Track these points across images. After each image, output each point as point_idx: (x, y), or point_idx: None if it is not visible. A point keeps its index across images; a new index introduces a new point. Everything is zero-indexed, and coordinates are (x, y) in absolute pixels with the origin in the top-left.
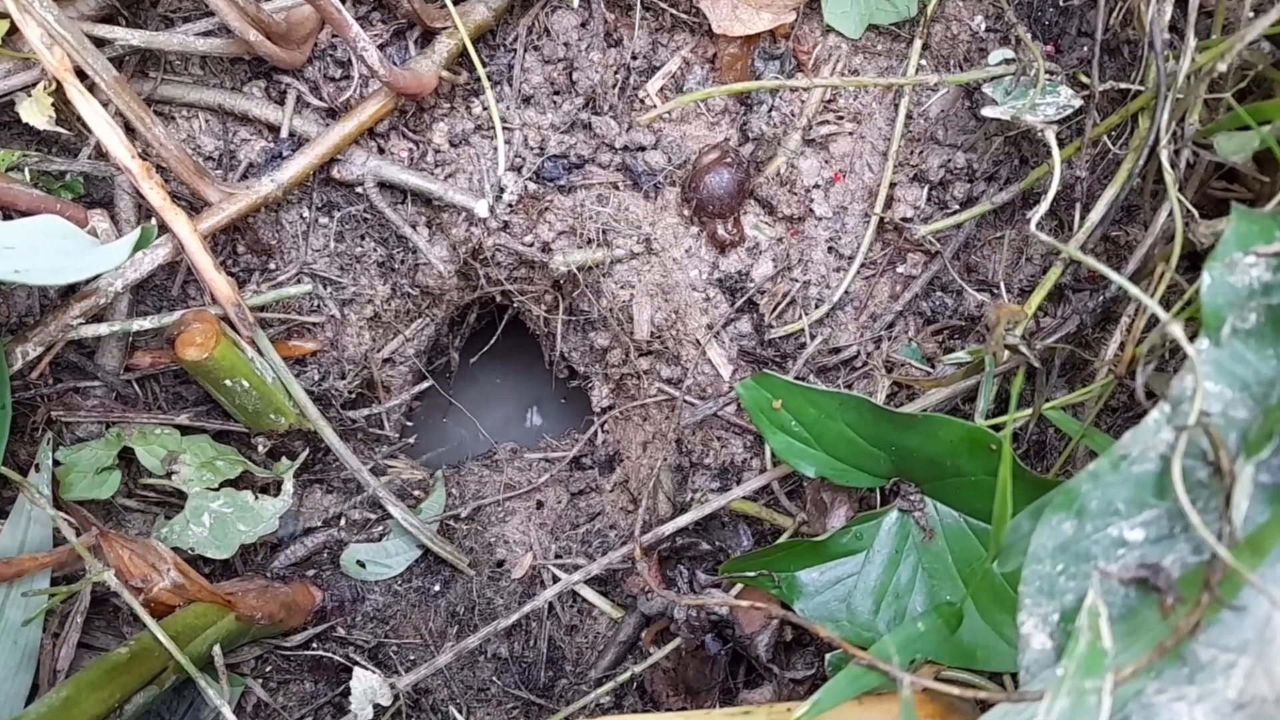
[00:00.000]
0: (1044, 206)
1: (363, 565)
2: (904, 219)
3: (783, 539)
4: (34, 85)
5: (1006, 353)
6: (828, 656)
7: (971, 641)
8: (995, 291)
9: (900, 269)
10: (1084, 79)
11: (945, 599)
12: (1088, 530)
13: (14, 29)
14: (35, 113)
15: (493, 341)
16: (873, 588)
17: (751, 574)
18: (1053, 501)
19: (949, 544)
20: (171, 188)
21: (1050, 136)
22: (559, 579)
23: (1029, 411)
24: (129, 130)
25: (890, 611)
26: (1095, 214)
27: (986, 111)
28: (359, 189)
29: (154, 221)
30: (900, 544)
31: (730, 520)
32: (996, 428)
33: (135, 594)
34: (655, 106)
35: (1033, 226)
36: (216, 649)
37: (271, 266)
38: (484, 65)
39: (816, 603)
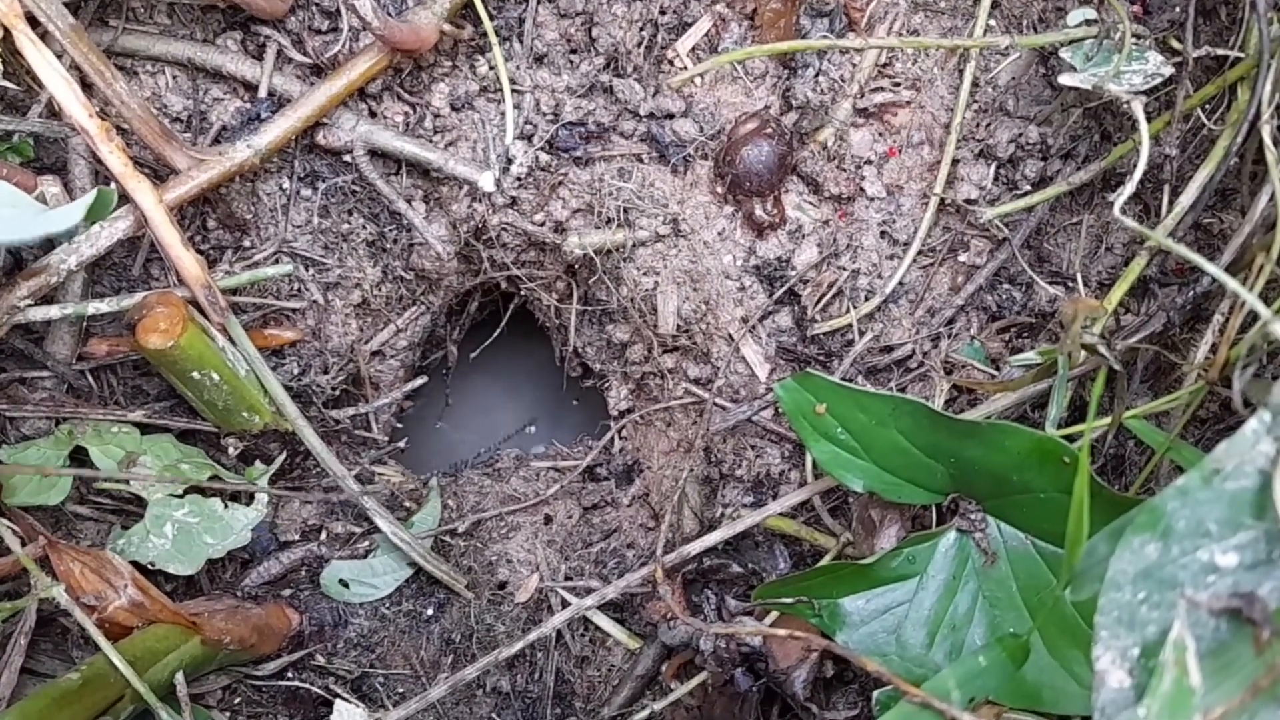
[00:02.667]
0: (1129, 188)
1: (346, 585)
2: (968, 200)
3: (824, 561)
4: None
5: (1083, 354)
6: (875, 695)
7: (1038, 679)
8: (1070, 284)
9: (962, 257)
10: (1175, 44)
11: (1009, 631)
12: (1174, 554)
13: None
14: None
15: (496, 334)
16: (926, 618)
17: (789, 600)
18: (1134, 521)
19: (1014, 569)
20: (134, 152)
21: (1137, 109)
22: (569, 604)
23: (1107, 420)
24: (86, 86)
25: (946, 645)
26: (1186, 197)
27: (1064, 79)
28: (347, 157)
29: (113, 188)
30: (958, 569)
31: (765, 539)
32: (1070, 438)
33: (88, 613)
34: (686, 69)
35: (1116, 210)
36: (179, 677)
37: (246, 244)
38: (491, 18)
39: (862, 633)
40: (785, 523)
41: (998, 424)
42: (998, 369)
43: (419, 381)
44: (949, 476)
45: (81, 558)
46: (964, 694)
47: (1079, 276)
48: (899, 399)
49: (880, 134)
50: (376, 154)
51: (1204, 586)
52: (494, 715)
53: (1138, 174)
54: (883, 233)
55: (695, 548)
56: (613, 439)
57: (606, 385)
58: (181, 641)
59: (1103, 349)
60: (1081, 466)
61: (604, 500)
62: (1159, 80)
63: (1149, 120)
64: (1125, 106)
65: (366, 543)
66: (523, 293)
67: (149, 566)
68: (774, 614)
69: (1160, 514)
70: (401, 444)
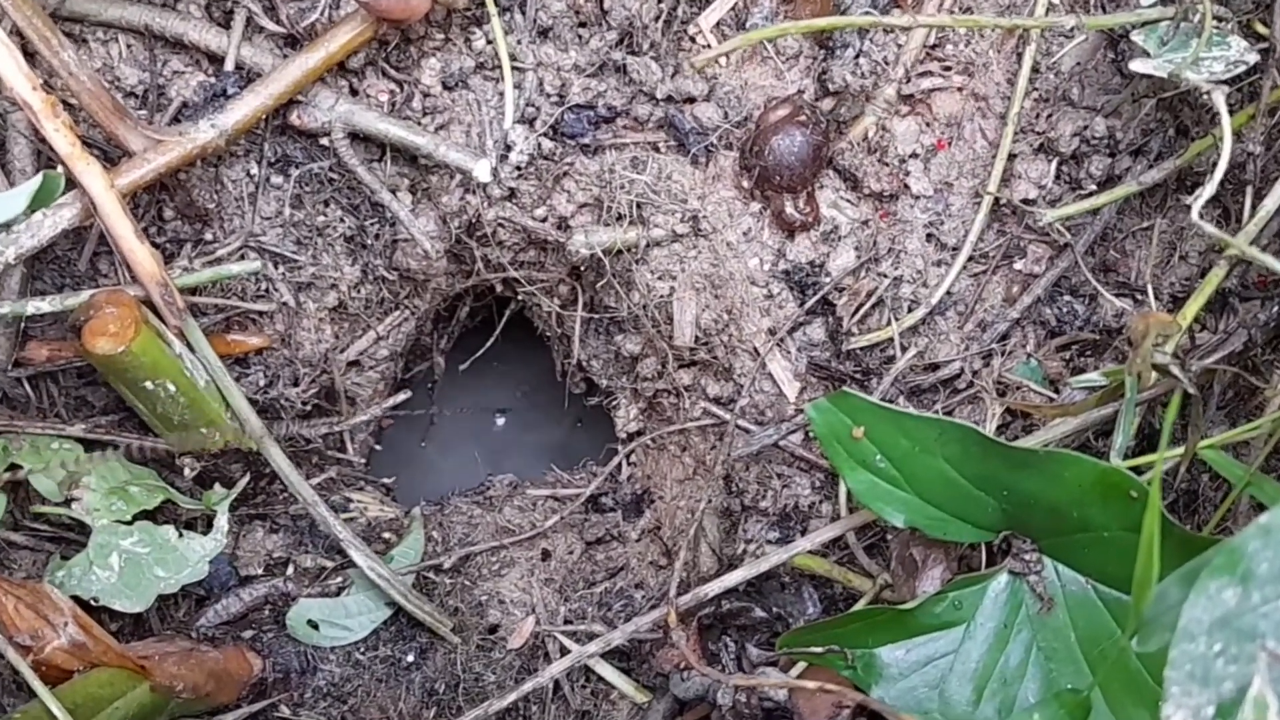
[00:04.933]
0: (1208, 190)
1: (315, 626)
2: (1025, 201)
3: (859, 606)
4: None
5: (1153, 375)
6: None
7: None
8: (1140, 297)
9: (1018, 265)
10: (1261, 28)
11: (1066, 686)
12: (1254, 601)
13: None
14: None
15: (490, 344)
16: (974, 671)
17: (818, 649)
18: (1211, 564)
19: (1072, 617)
20: (82, 131)
21: (1218, 100)
22: (568, 651)
23: (1180, 451)
24: (29, 54)
25: (995, 701)
26: (1271, 201)
27: (1135, 66)
28: (324, 140)
29: (59, 171)
30: (1010, 616)
31: (792, 580)
32: (1138, 470)
33: (22, 653)
34: (709, 46)
35: (1193, 214)
36: None
37: (208, 237)
38: None
39: (901, 688)
40: (815, 561)
41: (1056, 453)
42: (1057, 391)
43: (401, 397)
44: (1001, 511)
45: (15, 591)
46: None
47: (1149, 288)
48: (946, 423)
49: (928, 124)
50: (358, 137)
51: None
52: None
53: (1218, 174)
54: (929, 235)
55: (713, 589)
56: (620, 465)
57: (614, 404)
58: (128, 688)
59: (1176, 370)
60: (1152, 501)
61: (609, 534)
62: (1242, 69)
63: (1231, 113)
64: (1204, 97)
65: (339, 579)
66: (520, 297)
67: (92, 602)
68: (801, 664)
69: (1240, 556)
70: (389, 481)
